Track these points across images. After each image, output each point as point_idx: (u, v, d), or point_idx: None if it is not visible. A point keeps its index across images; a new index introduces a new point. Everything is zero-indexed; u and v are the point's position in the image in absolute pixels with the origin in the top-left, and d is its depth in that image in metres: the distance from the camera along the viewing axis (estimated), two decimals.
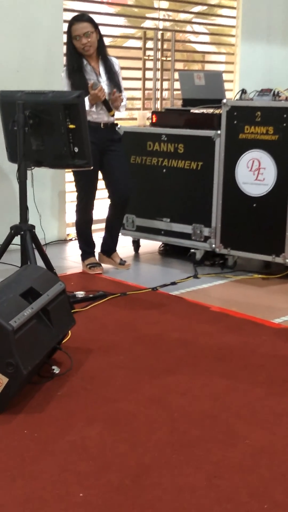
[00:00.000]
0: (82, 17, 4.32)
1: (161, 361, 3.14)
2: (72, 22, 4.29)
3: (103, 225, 5.57)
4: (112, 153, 4.49)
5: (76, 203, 4.63)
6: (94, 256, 4.70)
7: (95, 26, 4.30)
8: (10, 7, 4.96)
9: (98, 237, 5.08)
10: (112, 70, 4.42)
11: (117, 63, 4.49)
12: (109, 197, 4.64)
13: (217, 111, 4.69)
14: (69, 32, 4.31)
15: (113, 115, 4.40)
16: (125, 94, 4.55)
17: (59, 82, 4.44)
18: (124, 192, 4.58)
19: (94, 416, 2.59)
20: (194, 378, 2.95)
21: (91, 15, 4.44)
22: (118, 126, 4.67)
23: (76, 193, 4.62)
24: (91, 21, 4.29)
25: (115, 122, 4.56)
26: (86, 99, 4.21)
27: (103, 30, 4.72)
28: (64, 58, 5.22)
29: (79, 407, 2.66)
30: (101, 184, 4.66)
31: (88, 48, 4.28)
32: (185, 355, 3.21)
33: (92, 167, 3.75)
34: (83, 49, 4.28)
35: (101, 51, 4.39)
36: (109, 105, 4.36)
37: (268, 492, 2.11)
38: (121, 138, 4.63)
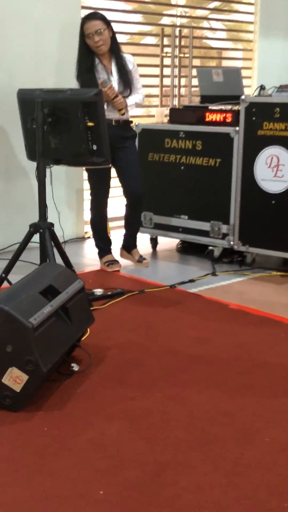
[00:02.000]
0: (94, 15, 4.29)
1: (178, 358, 3.14)
2: (83, 21, 4.28)
3: (121, 222, 5.58)
4: (123, 150, 4.45)
5: (90, 201, 4.65)
6: (111, 253, 4.71)
7: (108, 23, 4.27)
8: (28, 6, 4.98)
9: (116, 234, 5.10)
10: (125, 68, 4.37)
11: (131, 61, 4.43)
12: (123, 195, 4.64)
13: (235, 108, 4.67)
14: (81, 31, 4.29)
15: (123, 114, 4.37)
16: (142, 91, 4.52)
17: (75, 81, 4.44)
18: (137, 190, 4.55)
19: (113, 413, 2.60)
20: (211, 376, 2.95)
21: (109, 13, 4.44)
22: (136, 123, 4.65)
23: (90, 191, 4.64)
24: (103, 18, 4.26)
25: (130, 119, 4.54)
26: None
27: (120, 27, 4.73)
28: None
29: (98, 405, 2.67)
30: (117, 181, 4.67)
31: (100, 45, 4.26)
32: (203, 353, 3.21)
33: (110, 165, 3.76)
34: (96, 47, 4.27)
35: (113, 49, 4.35)
36: None
37: None
38: (135, 135, 4.61)
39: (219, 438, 2.41)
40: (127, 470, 2.21)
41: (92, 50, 4.30)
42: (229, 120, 4.64)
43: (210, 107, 4.92)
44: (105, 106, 4.29)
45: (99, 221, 4.66)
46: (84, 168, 5.30)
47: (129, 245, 4.78)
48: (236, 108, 4.65)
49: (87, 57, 4.32)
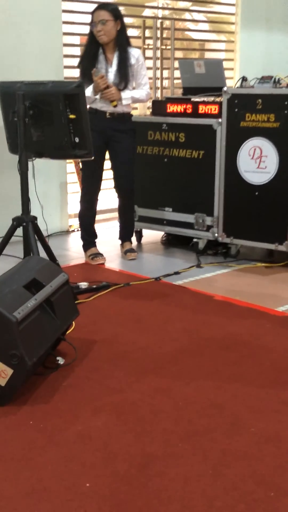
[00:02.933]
0: (103, 5, 4.35)
1: (165, 350, 3.14)
2: (93, 10, 4.34)
3: (108, 216, 5.59)
4: (116, 144, 4.47)
5: (80, 192, 4.65)
6: (95, 246, 4.70)
7: (115, 16, 4.30)
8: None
9: (101, 228, 5.08)
10: (125, 61, 4.37)
11: (135, 56, 4.41)
12: (114, 188, 4.68)
13: (218, 99, 4.66)
14: (91, 20, 4.34)
15: (115, 106, 4.36)
16: (147, 87, 4.49)
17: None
18: (125, 186, 4.62)
19: (99, 406, 2.59)
20: (198, 368, 2.95)
21: (90, 4, 4.43)
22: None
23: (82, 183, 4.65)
24: (111, 10, 4.30)
25: (129, 113, 4.52)
26: (91, 87, 4.22)
27: None
28: (63, 48, 5.23)
29: (84, 398, 2.66)
30: (108, 173, 4.67)
31: (101, 35, 4.28)
32: (189, 345, 3.21)
33: (93, 158, 3.74)
34: (97, 36, 4.30)
35: (119, 41, 4.36)
36: None
37: (274, 480, 2.11)
38: (133, 129, 4.56)
39: (207, 429, 2.41)
40: (115, 462, 2.21)
41: (98, 42, 4.33)
42: (189, 111, 4.74)
43: (192, 99, 4.91)
44: (98, 97, 4.29)
45: (87, 214, 4.65)
46: (68, 160, 5.29)
47: (122, 237, 4.82)
48: (218, 99, 4.64)
49: (90, 45, 4.37)
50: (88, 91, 4.21)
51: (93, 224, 4.72)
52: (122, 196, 4.68)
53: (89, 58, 4.36)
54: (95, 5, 4.36)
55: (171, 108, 4.82)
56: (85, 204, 4.63)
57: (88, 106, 4.12)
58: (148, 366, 2.96)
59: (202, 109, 4.68)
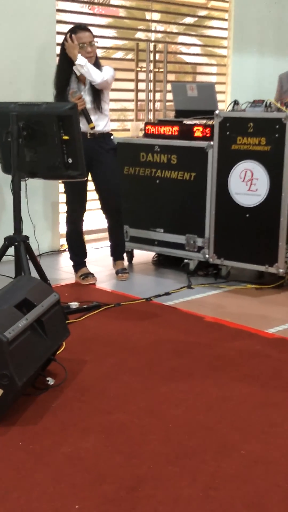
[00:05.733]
0: (86, 27, 4.42)
1: (155, 371, 3.14)
2: (75, 31, 4.36)
3: (98, 236, 5.59)
4: (99, 164, 4.48)
5: (66, 214, 4.65)
6: (85, 266, 4.70)
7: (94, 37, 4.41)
8: (3, 19, 4.98)
9: (92, 248, 5.11)
10: None
11: (105, 70, 4.42)
12: (101, 209, 4.69)
13: (209, 122, 4.71)
14: (71, 40, 4.33)
15: (92, 128, 4.38)
16: (107, 68, 4.44)
17: (52, 93, 4.45)
18: (112, 206, 4.65)
19: (89, 427, 2.58)
20: (188, 389, 2.95)
21: None
22: (111, 137, 4.65)
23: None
24: (91, 32, 4.40)
25: (109, 132, 4.56)
26: None
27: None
28: None
29: (74, 419, 2.65)
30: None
31: (91, 56, 4.34)
32: (179, 366, 3.21)
33: (86, 178, 3.77)
34: (87, 58, 4.32)
35: (94, 61, 4.43)
36: (89, 117, 4.36)
37: (264, 503, 2.11)
38: (115, 147, 4.61)
39: (196, 451, 2.41)
40: (104, 484, 2.20)
41: (71, 61, 4.33)
42: (181, 133, 4.81)
43: (184, 122, 4.96)
44: None
45: (74, 235, 4.66)
46: (60, 181, 5.31)
47: (114, 256, 4.83)
48: (210, 122, 4.69)
49: (65, 66, 4.38)
50: None
51: (82, 244, 4.72)
52: (110, 216, 4.70)
53: (65, 78, 4.38)
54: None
55: (163, 130, 4.87)
56: (72, 225, 4.64)
57: None
58: (138, 387, 2.96)
59: (194, 131, 4.73)
